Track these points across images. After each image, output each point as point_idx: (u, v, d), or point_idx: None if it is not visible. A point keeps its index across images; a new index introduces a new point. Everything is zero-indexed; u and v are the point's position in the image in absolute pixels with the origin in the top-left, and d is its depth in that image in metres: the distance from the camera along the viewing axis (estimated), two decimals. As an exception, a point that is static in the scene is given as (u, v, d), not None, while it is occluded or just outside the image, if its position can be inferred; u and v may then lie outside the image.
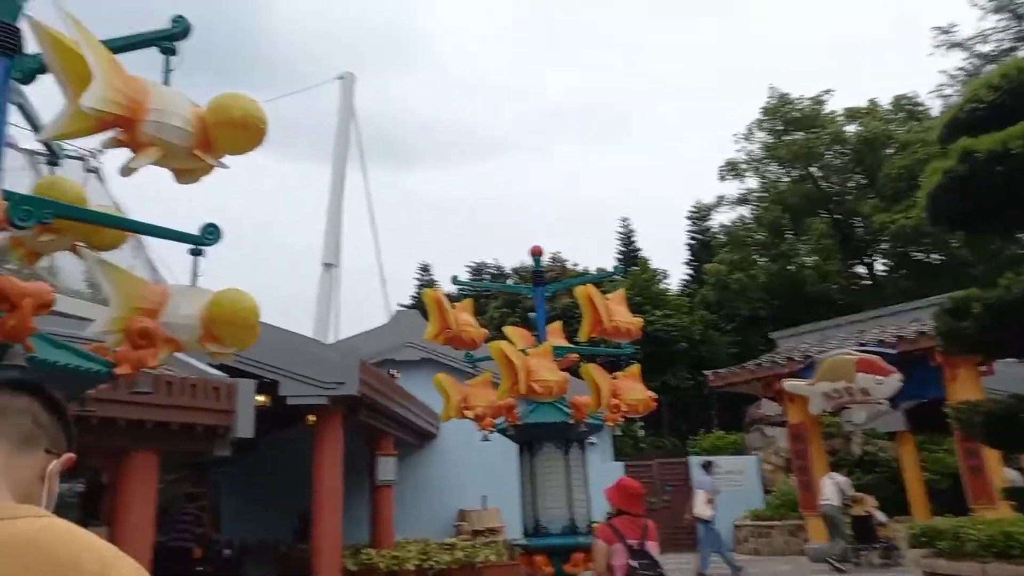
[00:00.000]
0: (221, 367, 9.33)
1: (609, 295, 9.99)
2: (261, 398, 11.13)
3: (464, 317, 9.82)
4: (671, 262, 52.75)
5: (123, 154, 4.38)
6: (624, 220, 41.48)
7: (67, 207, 5.15)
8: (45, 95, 5.03)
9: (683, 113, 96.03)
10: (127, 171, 4.33)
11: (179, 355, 8.81)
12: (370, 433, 13.41)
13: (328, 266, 30.11)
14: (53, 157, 5.88)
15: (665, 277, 35.74)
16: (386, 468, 13.14)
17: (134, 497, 7.08)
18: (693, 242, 39.59)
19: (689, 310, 31.50)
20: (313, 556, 10.02)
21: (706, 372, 18.58)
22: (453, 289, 11.28)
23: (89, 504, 12.97)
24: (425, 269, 47.01)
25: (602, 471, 14.13)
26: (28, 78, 4.75)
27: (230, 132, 4.39)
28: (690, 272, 38.99)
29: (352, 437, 12.93)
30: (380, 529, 13.09)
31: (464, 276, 36.70)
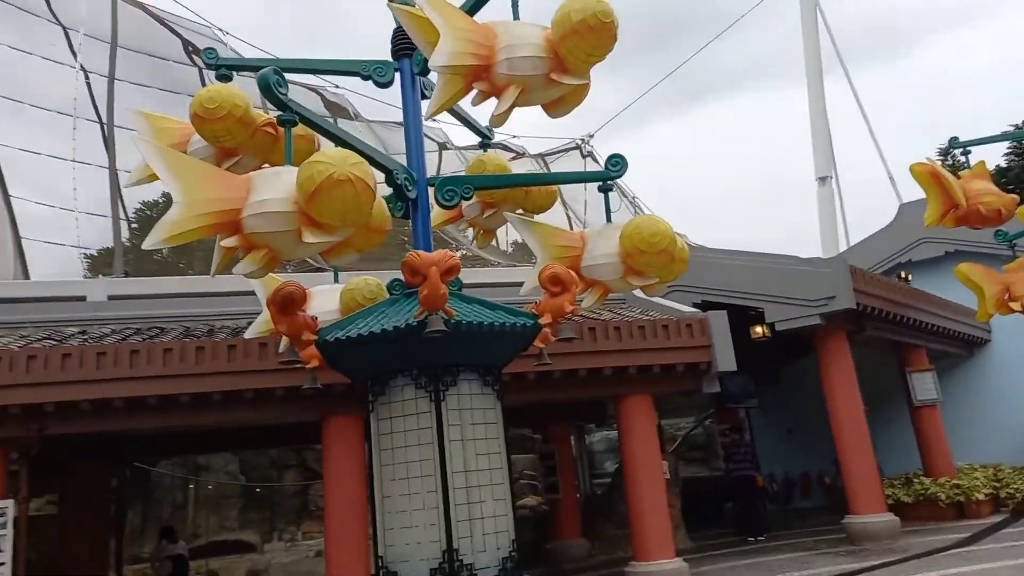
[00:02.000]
0: (701, 304, 9.10)
1: None
2: (759, 329, 10.55)
3: (977, 185, 7.62)
4: None
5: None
6: None
7: (483, 177, 5.41)
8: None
9: None
10: (497, 120, 4.25)
11: (656, 299, 8.82)
12: (895, 349, 11.62)
13: (823, 179, 27.98)
14: (485, 139, 6.31)
15: None
16: (923, 386, 11.20)
17: (638, 435, 7.33)
18: None
19: None
20: (847, 488, 9.00)
21: None
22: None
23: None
24: (945, 154, 39.72)
25: None
26: (425, 70, 5.09)
27: (576, 41, 3.94)
28: None
29: (874, 356, 11.41)
30: (932, 455, 11.21)
31: (995, 150, 29.65)
